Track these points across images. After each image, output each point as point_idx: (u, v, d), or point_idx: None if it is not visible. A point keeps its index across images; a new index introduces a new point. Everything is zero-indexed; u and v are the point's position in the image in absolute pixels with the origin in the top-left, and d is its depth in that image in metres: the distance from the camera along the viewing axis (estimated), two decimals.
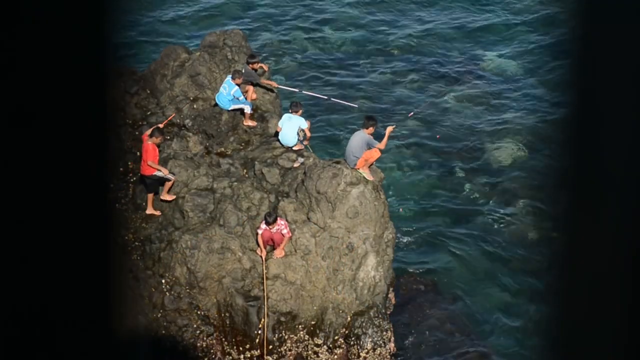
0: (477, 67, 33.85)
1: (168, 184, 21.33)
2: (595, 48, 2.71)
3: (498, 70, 33.67)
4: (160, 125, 22.16)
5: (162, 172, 21.15)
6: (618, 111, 2.72)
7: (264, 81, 24.23)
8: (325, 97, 27.70)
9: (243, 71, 23.72)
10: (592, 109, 2.74)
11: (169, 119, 23.20)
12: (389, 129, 21.81)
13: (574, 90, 2.74)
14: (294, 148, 22.85)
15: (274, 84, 24.75)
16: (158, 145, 21.06)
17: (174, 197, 21.48)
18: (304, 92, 27.31)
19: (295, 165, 22.44)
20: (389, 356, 21.55)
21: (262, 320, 20.92)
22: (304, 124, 22.70)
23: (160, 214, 21.61)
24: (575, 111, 2.75)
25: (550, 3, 36.80)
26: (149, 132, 21.08)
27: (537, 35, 35.50)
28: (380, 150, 21.84)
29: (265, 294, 20.85)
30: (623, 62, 2.69)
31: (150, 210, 21.58)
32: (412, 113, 26.81)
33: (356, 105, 28.24)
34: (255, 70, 24.03)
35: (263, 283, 21.03)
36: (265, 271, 21.04)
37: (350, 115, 31.09)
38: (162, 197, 21.52)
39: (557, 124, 2.78)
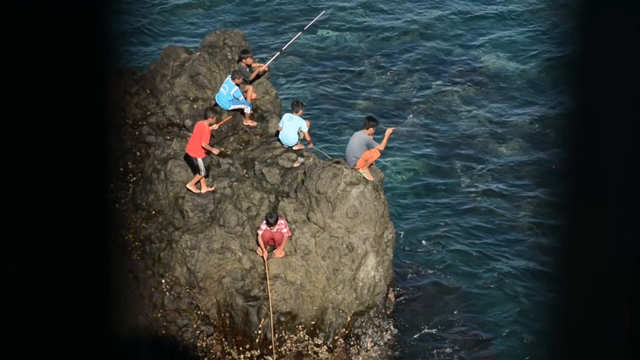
0: (477, 66, 33.85)
1: (198, 177, 21.50)
2: (595, 47, 2.71)
3: (498, 69, 33.67)
4: (216, 126, 22.26)
5: (214, 152, 21.59)
6: (618, 110, 2.72)
7: (253, 75, 24.14)
8: (300, 33, 27.66)
9: (237, 68, 23.71)
10: (592, 108, 2.74)
11: (225, 119, 23.19)
12: (389, 130, 21.86)
13: (574, 89, 2.74)
14: (294, 148, 22.85)
15: (264, 67, 24.46)
16: (211, 125, 21.41)
17: (199, 191, 21.62)
18: (283, 49, 27.25)
19: (295, 165, 22.44)
20: (388, 356, 21.55)
21: (263, 320, 20.92)
22: (304, 126, 22.70)
23: (214, 188, 21.65)
24: (575, 110, 2.75)
25: (550, 2, 36.81)
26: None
27: (537, 35, 35.49)
28: (380, 151, 21.86)
29: (269, 295, 20.83)
30: (623, 61, 2.69)
31: (204, 189, 21.70)
32: (410, 115, 26.90)
33: (323, 12, 28.22)
34: (249, 65, 23.98)
35: (264, 283, 21.03)
36: (266, 271, 21.04)
37: (351, 115, 31.09)
38: (187, 186, 21.69)
39: (557, 122, 2.78)
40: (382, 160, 24.22)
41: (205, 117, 21.44)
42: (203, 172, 21.41)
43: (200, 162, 21.26)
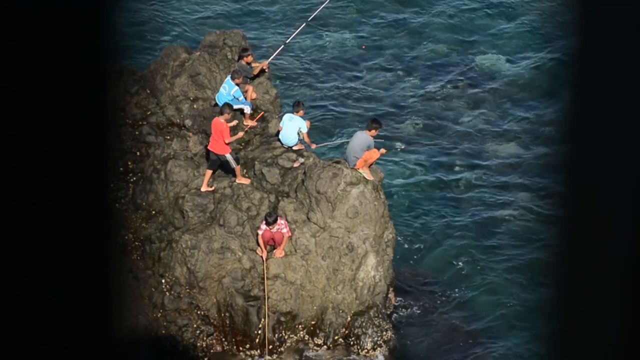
0: (476, 67, 33.86)
1: (237, 168, 21.75)
2: (595, 47, 2.71)
3: (497, 69, 33.67)
4: (233, 123, 22.43)
5: (240, 136, 21.88)
6: (618, 109, 2.72)
7: (256, 71, 24.16)
8: (304, 24, 27.57)
9: (237, 67, 23.70)
10: (592, 107, 2.74)
11: (258, 117, 23.37)
12: (382, 150, 21.98)
13: (574, 88, 2.74)
14: (294, 148, 22.85)
15: (265, 64, 24.66)
16: (227, 121, 21.55)
17: (249, 179, 21.86)
18: (287, 42, 27.25)
19: (295, 165, 22.44)
20: (388, 356, 21.56)
21: (262, 320, 20.93)
22: (304, 127, 22.69)
23: (214, 189, 21.81)
24: (575, 109, 2.75)
25: (549, 2, 36.80)
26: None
27: (537, 35, 35.49)
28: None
29: (265, 294, 20.86)
30: (623, 60, 2.69)
31: (204, 188, 21.85)
32: (403, 146, 27.68)
33: (328, 0, 28.39)
34: (249, 64, 23.99)
35: (264, 283, 21.04)
36: (266, 271, 21.05)
37: (351, 116, 31.08)
38: (238, 181, 21.88)
39: (557, 122, 2.78)
40: (381, 159, 24.21)
41: (221, 113, 21.52)
42: (234, 164, 21.59)
43: (228, 157, 21.46)
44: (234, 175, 21.95)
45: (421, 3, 37.46)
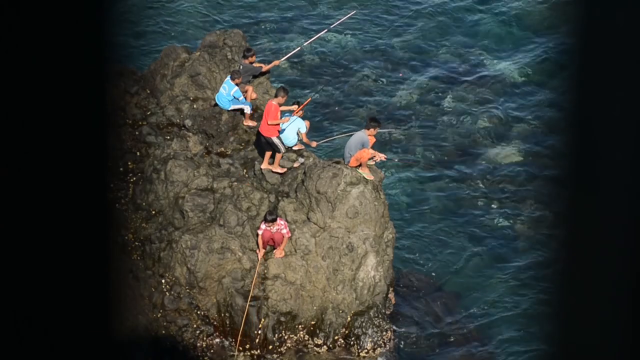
0: (477, 70, 33.85)
1: (278, 156, 22.03)
2: (595, 49, 2.71)
3: (498, 73, 33.66)
4: (298, 108, 22.64)
5: (283, 121, 22.04)
6: (618, 112, 2.72)
7: (265, 68, 24.26)
8: (325, 30, 27.79)
9: (240, 68, 23.68)
10: (592, 110, 2.74)
11: (307, 101, 23.60)
12: (382, 156, 21.95)
13: (574, 91, 2.74)
14: (294, 148, 22.86)
15: (277, 62, 25.23)
16: (280, 105, 21.78)
17: (285, 169, 22.13)
18: (305, 44, 27.45)
19: (295, 165, 22.45)
20: (389, 356, 21.56)
21: (263, 320, 20.94)
22: (303, 127, 22.70)
23: (285, 170, 22.22)
24: (576, 112, 2.75)
25: (550, 5, 36.80)
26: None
27: (538, 37, 35.49)
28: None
29: (251, 291, 20.86)
30: (623, 61, 2.69)
31: (276, 168, 22.21)
32: (397, 159, 28.04)
33: (354, 11, 28.46)
34: (252, 63, 24.03)
35: (264, 283, 21.05)
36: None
37: (350, 117, 31.08)
38: (273, 169, 22.15)
39: (557, 124, 2.78)
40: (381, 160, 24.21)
41: (276, 96, 21.87)
42: (282, 149, 21.88)
43: (275, 140, 21.72)
44: (272, 156, 22.02)
45: (423, 9, 37.45)
